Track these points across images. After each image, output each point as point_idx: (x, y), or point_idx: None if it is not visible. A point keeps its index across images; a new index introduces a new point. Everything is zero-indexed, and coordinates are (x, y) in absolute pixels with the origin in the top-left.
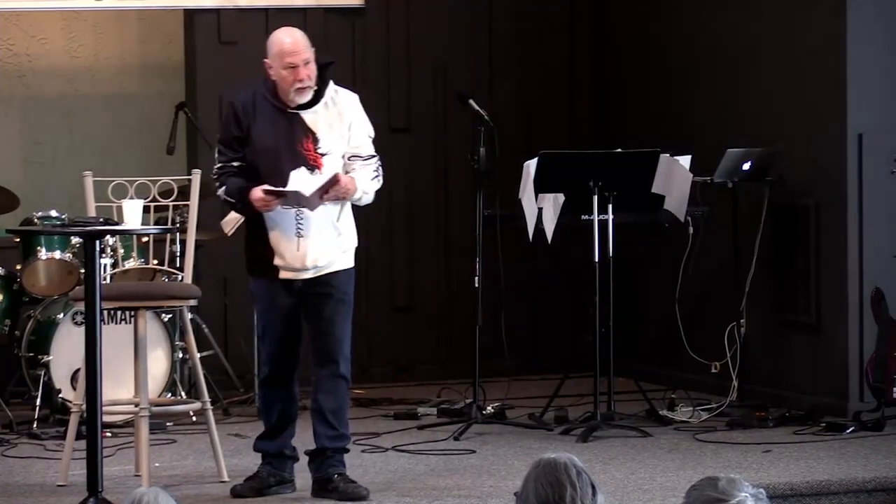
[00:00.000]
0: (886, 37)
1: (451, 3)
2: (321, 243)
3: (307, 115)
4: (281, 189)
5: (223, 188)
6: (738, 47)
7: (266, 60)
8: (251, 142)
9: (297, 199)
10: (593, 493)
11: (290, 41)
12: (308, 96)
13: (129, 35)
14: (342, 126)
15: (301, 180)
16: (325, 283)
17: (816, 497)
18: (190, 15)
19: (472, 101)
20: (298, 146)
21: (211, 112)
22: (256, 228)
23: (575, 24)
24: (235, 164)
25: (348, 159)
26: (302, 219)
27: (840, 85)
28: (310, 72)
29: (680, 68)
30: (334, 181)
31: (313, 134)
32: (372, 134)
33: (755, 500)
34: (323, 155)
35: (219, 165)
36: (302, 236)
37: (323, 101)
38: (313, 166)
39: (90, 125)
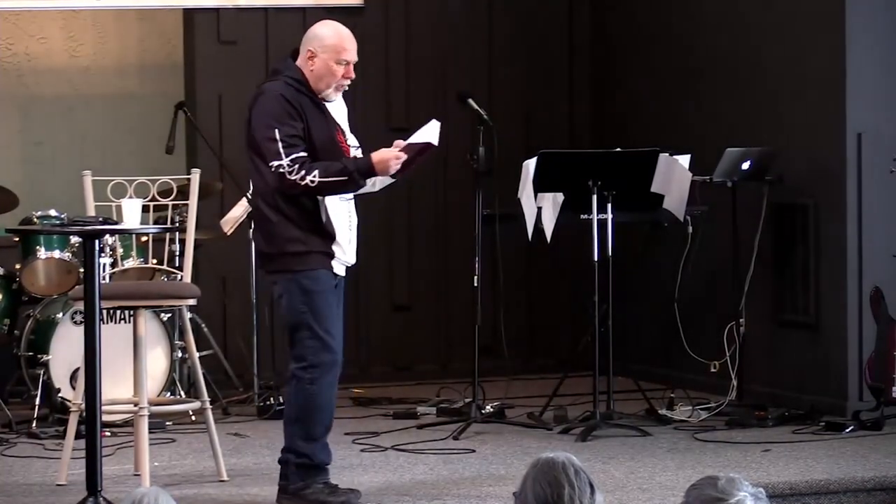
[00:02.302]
0: (886, 36)
1: (450, 3)
2: (356, 236)
3: (330, 108)
4: (420, 141)
5: (314, 172)
6: (737, 46)
7: (311, 48)
8: (308, 133)
9: (416, 154)
10: (591, 492)
11: (348, 36)
12: (339, 95)
13: (128, 34)
14: (345, 121)
15: (433, 131)
16: (345, 282)
17: (816, 496)
18: (189, 14)
19: (471, 101)
20: (334, 137)
21: (210, 111)
22: (314, 221)
23: (574, 23)
24: (305, 154)
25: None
26: (351, 211)
27: (839, 84)
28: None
29: (679, 68)
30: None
31: (340, 126)
32: None
33: (755, 499)
34: (350, 147)
35: (292, 157)
36: (351, 229)
37: None
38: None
39: (89, 125)
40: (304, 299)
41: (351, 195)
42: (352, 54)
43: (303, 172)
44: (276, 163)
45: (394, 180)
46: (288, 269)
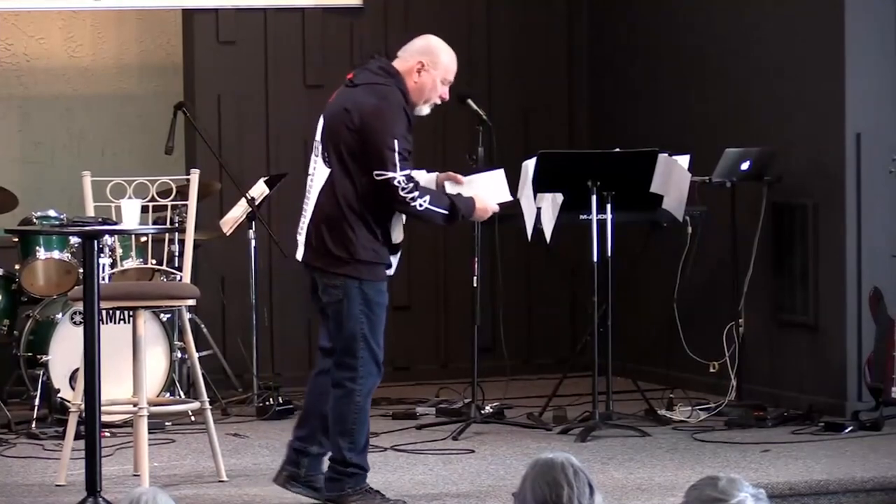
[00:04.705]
0: (885, 37)
1: (449, 3)
2: None
3: None
4: (505, 198)
5: (425, 197)
6: (737, 47)
7: (423, 61)
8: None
9: None
10: (591, 492)
11: (455, 58)
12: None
13: (127, 35)
14: None
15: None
16: None
17: (815, 497)
18: (188, 15)
19: (470, 101)
20: None
21: (209, 111)
22: (388, 235)
23: (573, 23)
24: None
25: None
26: None
27: (839, 85)
28: None
29: (679, 68)
30: None
31: None
32: None
33: (755, 499)
34: None
35: (406, 173)
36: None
37: None
38: None
39: (89, 125)
40: (364, 309)
41: None
42: (453, 77)
43: (416, 193)
44: (389, 174)
45: None
46: (357, 276)
